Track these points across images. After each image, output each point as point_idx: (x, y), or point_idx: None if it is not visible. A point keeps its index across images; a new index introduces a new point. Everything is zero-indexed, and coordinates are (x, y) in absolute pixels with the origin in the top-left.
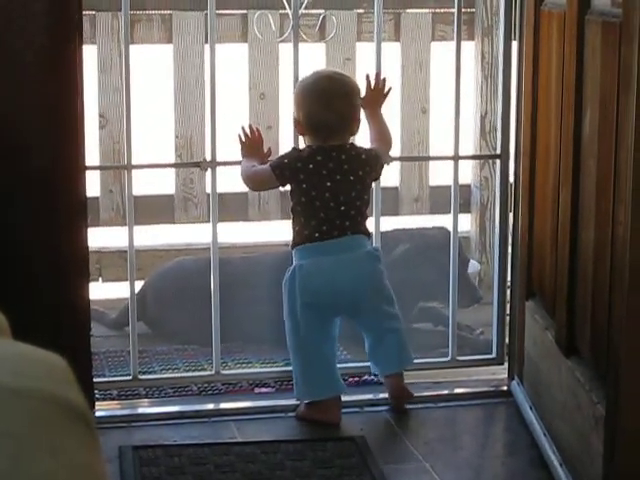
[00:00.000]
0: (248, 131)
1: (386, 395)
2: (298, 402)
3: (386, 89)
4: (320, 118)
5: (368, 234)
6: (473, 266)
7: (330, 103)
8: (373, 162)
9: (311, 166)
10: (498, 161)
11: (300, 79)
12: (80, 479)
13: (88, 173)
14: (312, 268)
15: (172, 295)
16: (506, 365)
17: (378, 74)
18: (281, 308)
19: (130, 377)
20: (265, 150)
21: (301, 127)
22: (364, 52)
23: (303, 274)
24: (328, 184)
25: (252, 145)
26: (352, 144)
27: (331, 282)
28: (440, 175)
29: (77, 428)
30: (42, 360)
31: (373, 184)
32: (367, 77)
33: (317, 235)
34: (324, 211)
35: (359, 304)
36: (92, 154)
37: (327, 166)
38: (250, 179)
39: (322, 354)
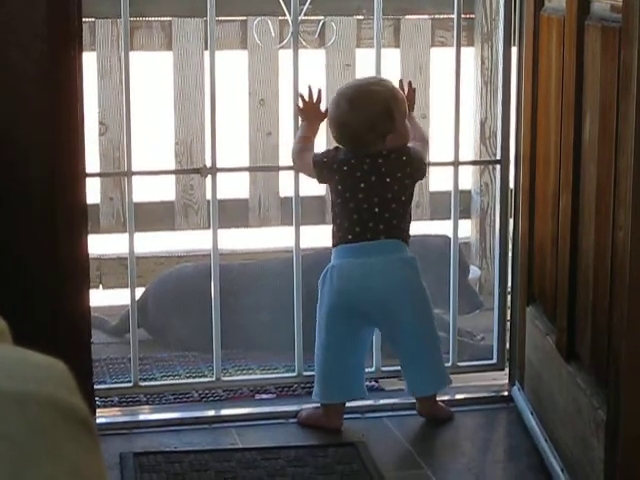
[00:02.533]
0: (307, 96)
1: (388, 401)
2: (299, 408)
3: (412, 92)
4: (339, 126)
5: (405, 239)
6: (473, 272)
7: (351, 118)
8: (415, 162)
9: (345, 168)
10: (498, 166)
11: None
12: None
13: (88, 180)
14: (343, 270)
15: (173, 302)
16: (507, 371)
17: (401, 81)
18: (281, 315)
19: (131, 384)
20: (323, 110)
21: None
22: (364, 58)
23: (334, 275)
24: (362, 185)
25: (312, 108)
26: (390, 150)
27: (359, 286)
28: (440, 181)
29: (78, 433)
30: (43, 364)
31: None
32: (400, 83)
33: (350, 237)
34: (357, 213)
35: (389, 313)
36: (92, 161)
37: (362, 168)
38: (295, 160)
39: (344, 358)
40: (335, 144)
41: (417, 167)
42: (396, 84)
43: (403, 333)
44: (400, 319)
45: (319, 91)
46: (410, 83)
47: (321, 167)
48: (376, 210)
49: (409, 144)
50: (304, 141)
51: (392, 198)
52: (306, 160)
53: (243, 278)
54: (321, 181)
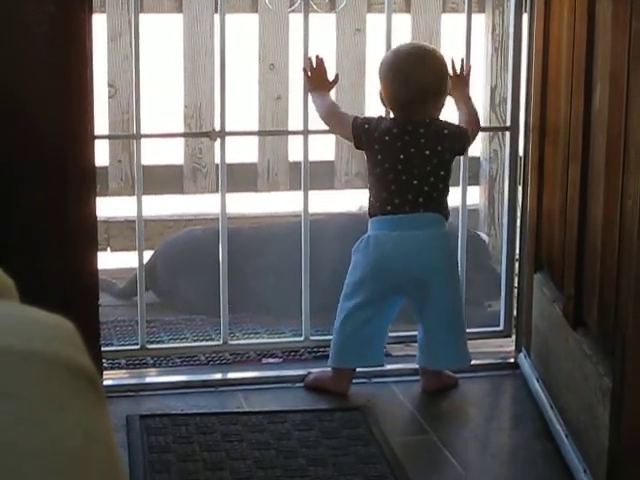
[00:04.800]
0: (314, 63)
1: (394, 366)
2: (305, 373)
3: (465, 70)
4: (397, 96)
5: (444, 213)
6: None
7: (404, 79)
8: (456, 138)
9: (387, 138)
10: (507, 134)
11: (387, 52)
12: (87, 440)
13: (97, 142)
14: (381, 241)
15: (181, 265)
16: (514, 338)
17: (461, 60)
18: (290, 278)
19: (138, 346)
20: (331, 79)
21: (384, 101)
22: (374, 23)
23: (372, 246)
24: (401, 157)
25: (318, 77)
26: (434, 119)
27: (396, 258)
28: None
29: (85, 390)
30: (50, 323)
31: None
32: (452, 63)
33: (389, 208)
34: (396, 184)
35: (423, 287)
36: (101, 123)
37: (403, 139)
38: (331, 121)
39: (364, 325)
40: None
41: (458, 141)
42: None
43: (433, 307)
44: (432, 294)
45: (322, 60)
46: (462, 61)
47: (361, 133)
48: (415, 182)
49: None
50: (331, 102)
51: (431, 171)
52: (344, 121)
53: (252, 241)
54: (358, 146)
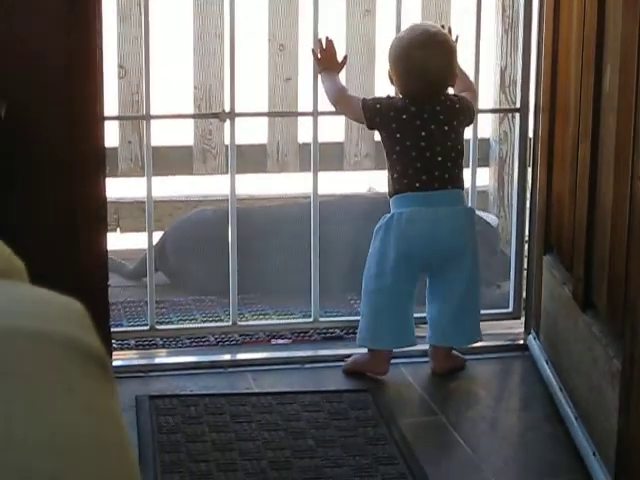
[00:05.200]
0: (324, 44)
1: (402, 348)
2: (314, 354)
3: (454, 37)
4: (411, 88)
5: (464, 188)
6: (492, 220)
7: (422, 74)
8: (466, 110)
9: (404, 116)
10: (517, 115)
11: (397, 36)
12: (96, 421)
13: (107, 123)
14: (412, 217)
15: (191, 245)
16: (523, 319)
17: (448, 28)
18: (299, 258)
19: (147, 327)
20: (340, 60)
21: (396, 84)
22: (384, 4)
23: (402, 222)
24: (423, 134)
25: (328, 58)
26: (446, 94)
27: (430, 233)
28: None
29: (94, 371)
30: (60, 304)
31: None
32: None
33: (418, 185)
34: (421, 161)
35: (451, 262)
36: (111, 104)
37: (422, 116)
38: (339, 104)
39: (402, 304)
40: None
41: (468, 114)
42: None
43: (456, 284)
44: (459, 270)
45: (331, 41)
46: (449, 28)
47: (373, 113)
48: (439, 159)
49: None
50: (340, 85)
51: (452, 147)
52: (353, 103)
53: (261, 222)
54: (372, 127)
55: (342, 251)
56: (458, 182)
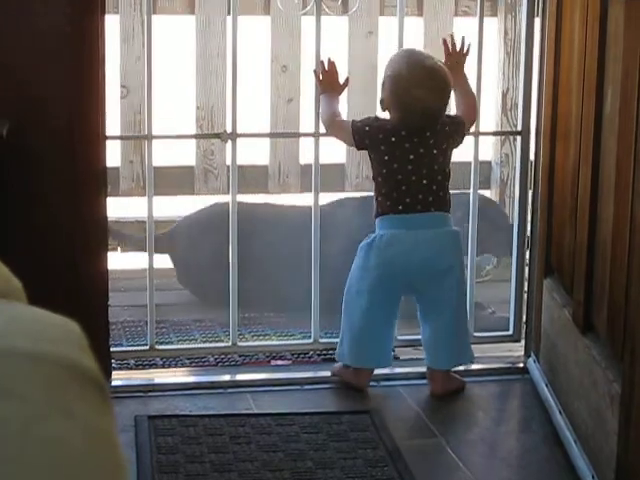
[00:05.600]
0: (326, 65)
1: (402, 370)
2: (314, 375)
3: (465, 48)
4: (408, 122)
5: (450, 211)
6: None
7: (418, 109)
8: (457, 132)
9: (394, 139)
10: (519, 138)
11: (394, 64)
12: (93, 442)
13: (109, 143)
14: (392, 239)
15: (202, 235)
16: (523, 342)
17: (453, 37)
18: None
19: (147, 347)
20: (342, 82)
21: (389, 109)
22: (387, 26)
23: (382, 244)
24: (411, 157)
25: (330, 80)
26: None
27: (409, 256)
28: (461, 151)
29: (91, 393)
30: (56, 324)
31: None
32: (444, 42)
33: (400, 207)
34: (406, 184)
35: (434, 285)
36: (113, 124)
37: (411, 140)
38: (331, 128)
39: (379, 325)
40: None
41: (459, 136)
42: (443, 44)
43: (443, 306)
44: (444, 292)
45: (333, 63)
46: (463, 39)
47: (362, 135)
48: (424, 182)
49: (457, 110)
50: (334, 108)
51: (438, 170)
52: (343, 126)
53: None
54: (360, 148)
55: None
56: (443, 205)
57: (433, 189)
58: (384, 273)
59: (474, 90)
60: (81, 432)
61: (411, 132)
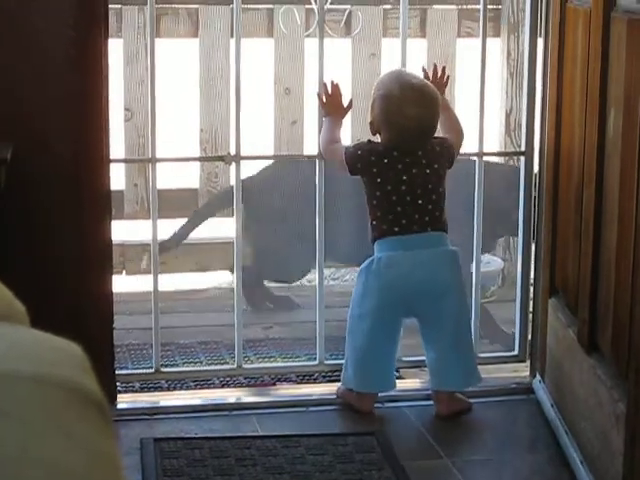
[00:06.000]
0: (329, 88)
1: (407, 391)
2: (320, 397)
3: (445, 77)
4: (398, 142)
5: (447, 231)
6: (496, 263)
7: (410, 129)
8: (447, 153)
9: (386, 160)
10: (522, 158)
11: (380, 83)
12: (94, 465)
13: (113, 166)
14: (391, 261)
15: (276, 187)
16: (528, 362)
17: (435, 66)
18: None
19: (152, 370)
20: (346, 104)
21: (377, 130)
22: (390, 48)
23: (381, 266)
24: (404, 178)
25: (333, 103)
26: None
27: (407, 277)
28: None
29: (92, 415)
30: (58, 347)
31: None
32: (424, 70)
33: (397, 229)
34: (401, 205)
35: (435, 306)
36: (117, 147)
37: (403, 161)
38: (326, 154)
39: (381, 348)
40: (363, 137)
41: (448, 157)
42: (422, 72)
43: (444, 326)
44: (444, 312)
45: (337, 85)
46: (444, 68)
47: (355, 160)
48: (419, 202)
49: (445, 135)
50: (332, 134)
51: (432, 189)
52: (337, 153)
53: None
54: (354, 173)
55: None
56: (439, 224)
57: (429, 209)
58: (384, 295)
59: (478, 110)
60: (82, 454)
61: (403, 152)
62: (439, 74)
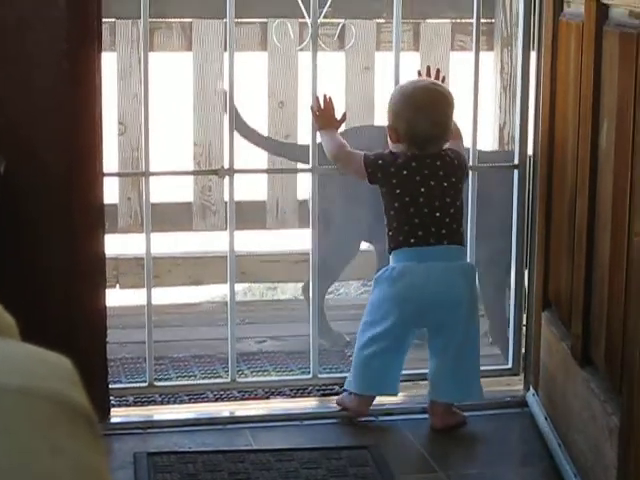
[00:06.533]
0: (322, 102)
1: (402, 404)
2: (314, 411)
3: (441, 78)
4: (419, 129)
5: (464, 244)
6: None
7: (429, 114)
8: (463, 166)
9: (405, 172)
10: (516, 171)
11: (397, 88)
12: (82, 478)
13: (106, 180)
14: (405, 271)
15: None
16: (522, 376)
17: (428, 68)
18: None
19: (146, 384)
20: (340, 117)
21: (396, 136)
22: (383, 61)
23: (395, 276)
24: (422, 190)
25: (326, 116)
26: (446, 150)
27: (420, 288)
28: None
29: (81, 429)
30: (47, 360)
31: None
32: (419, 73)
33: (413, 240)
34: (418, 217)
35: (446, 318)
36: (111, 161)
37: (422, 172)
38: (340, 161)
39: (388, 353)
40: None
41: (465, 169)
42: (417, 75)
43: (451, 338)
44: (453, 324)
45: (330, 99)
46: (438, 70)
47: (375, 169)
48: (437, 215)
49: (454, 146)
50: (338, 141)
51: (451, 202)
52: (354, 159)
53: None
54: (373, 182)
55: None
56: (456, 238)
57: (446, 222)
58: (397, 304)
59: (471, 123)
60: (70, 468)
61: (422, 164)
62: (433, 75)
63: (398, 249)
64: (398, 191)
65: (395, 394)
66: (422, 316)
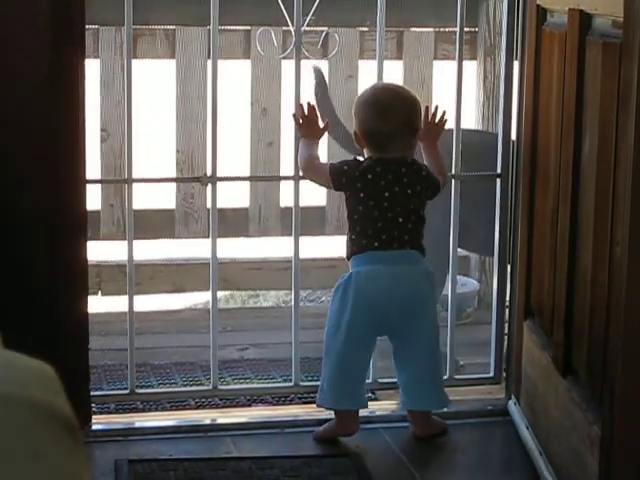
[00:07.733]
0: (306, 110)
1: (384, 412)
2: (295, 419)
3: (443, 120)
4: (374, 126)
5: (424, 252)
6: (472, 285)
7: (383, 112)
8: (431, 182)
9: (370, 176)
10: (498, 180)
11: (360, 93)
12: None
13: (89, 187)
14: (370, 274)
15: None
16: (504, 384)
17: (437, 107)
18: None
19: (127, 391)
20: (322, 125)
21: (360, 139)
22: (366, 70)
23: (359, 281)
24: (386, 194)
25: (309, 124)
26: (414, 160)
27: (387, 291)
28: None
29: (61, 435)
30: (29, 367)
31: None
32: (427, 109)
33: (376, 244)
34: (382, 221)
35: (408, 323)
36: (94, 168)
37: (386, 177)
38: (308, 171)
39: (356, 365)
40: (349, 155)
41: (431, 186)
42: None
43: (420, 346)
44: (417, 331)
45: (313, 107)
46: (444, 113)
47: (341, 175)
48: (400, 220)
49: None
50: (311, 152)
51: (413, 210)
52: (321, 168)
53: None
54: (338, 188)
55: None
56: (417, 244)
57: (408, 227)
58: (362, 310)
59: (454, 134)
60: (51, 474)
61: (385, 168)
62: (437, 117)
63: (361, 253)
64: (362, 195)
65: (365, 406)
66: (387, 321)
